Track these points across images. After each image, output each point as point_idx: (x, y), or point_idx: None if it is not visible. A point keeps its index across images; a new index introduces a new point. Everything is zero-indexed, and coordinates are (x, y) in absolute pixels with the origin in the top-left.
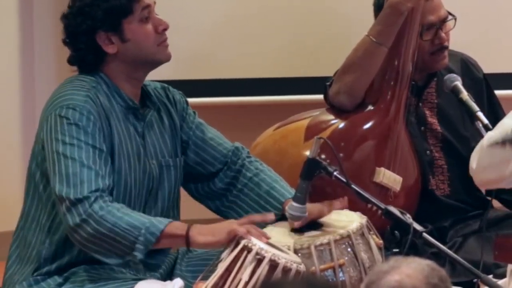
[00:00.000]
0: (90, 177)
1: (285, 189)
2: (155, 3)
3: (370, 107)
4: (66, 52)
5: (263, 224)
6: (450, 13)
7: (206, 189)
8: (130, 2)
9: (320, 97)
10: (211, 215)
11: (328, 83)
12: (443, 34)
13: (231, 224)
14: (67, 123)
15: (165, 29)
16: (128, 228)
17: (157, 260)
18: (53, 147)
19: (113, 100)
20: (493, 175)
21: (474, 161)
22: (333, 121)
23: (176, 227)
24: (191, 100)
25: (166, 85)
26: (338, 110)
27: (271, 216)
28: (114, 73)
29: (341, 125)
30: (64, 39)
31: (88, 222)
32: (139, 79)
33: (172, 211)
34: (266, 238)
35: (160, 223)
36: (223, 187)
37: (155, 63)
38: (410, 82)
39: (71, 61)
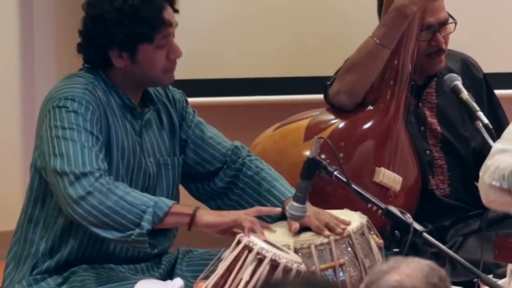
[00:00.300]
0: (91, 157)
1: (285, 188)
2: (177, 24)
3: (370, 107)
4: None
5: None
6: (451, 17)
7: (207, 188)
8: (153, 32)
9: (320, 97)
10: None
11: (328, 83)
12: (440, 37)
13: (240, 214)
14: (66, 111)
15: (176, 59)
16: (136, 202)
17: (156, 241)
18: (52, 133)
19: (111, 97)
20: (503, 208)
21: (481, 192)
22: (333, 121)
23: (183, 206)
24: (191, 99)
25: None
26: (338, 110)
27: (277, 210)
28: (116, 80)
29: (341, 125)
30: (80, 30)
31: (93, 194)
32: (139, 89)
33: None
34: (270, 229)
35: (168, 200)
36: (223, 186)
37: (157, 85)
38: (410, 81)
39: (79, 50)
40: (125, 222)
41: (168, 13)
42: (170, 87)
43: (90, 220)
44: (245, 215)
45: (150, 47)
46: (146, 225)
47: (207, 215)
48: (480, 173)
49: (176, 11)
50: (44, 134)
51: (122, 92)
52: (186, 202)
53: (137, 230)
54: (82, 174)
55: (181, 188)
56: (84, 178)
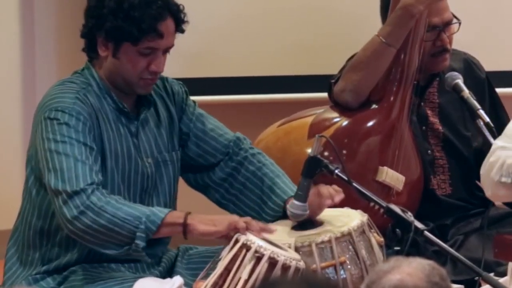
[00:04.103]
0: (84, 171)
1: (287, 186)
2: (172, 45)
3: (374, 106)
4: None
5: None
6: (455, 17)
7: (206, 179)
8: (139, 35)
9: (323, 95)
10: (209, 210)
11: (333, 81)
12: (445, 37)
13: (233, 217)
14: (57, 123)
15: (156, 72)
16: (128, 218)
17: (156, 251)
18: (45, 146)
19: (104, 101)
20: (510, 199)
21: (488, 189)
22: (337, 119)
23: (177, 216)
24: (194, 98)
25: (164, 76)
26: (342, 108)
27: (271, 229)
28: (104, 74)
29: (345, 123)
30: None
31: (86, 214)
32: (124, 93)
33: (170, 207)
34: (268, 231)
35: (160, 212)
36: (223, 177)
37: (130, 91)
38: (414, 81)
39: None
40: (120, 237)
41: (165, 26)
42: (169, 78)
43: (87, 239)
44: (238, 217)
45: (132, 49)
46: (140, 242)
47: (201, 224)
48: (482, 171)
49: (181, 31)
50: (38, 145)
51: (115, 96)
52: (185, 199)
53: (133, 247)
54: (74, 193)
55: (181, 181)
56: (77, 196)
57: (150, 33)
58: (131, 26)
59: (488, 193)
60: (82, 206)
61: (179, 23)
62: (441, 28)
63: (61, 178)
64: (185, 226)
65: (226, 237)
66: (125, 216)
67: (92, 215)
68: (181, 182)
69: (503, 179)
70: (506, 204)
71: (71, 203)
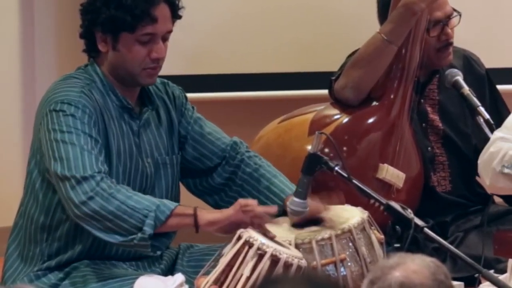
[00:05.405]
0: (91, 160)
1: (285, 184)
2: (171, 31)
3: (375, 103)
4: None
5: None
6: (455, 10)
7: (205, 184)
8: (134, 22)
9: (321, 92)
10: None
11: (333, 78)
12: (449, 30)
13: (236, 203)
14: (63, 115)
15: (158, 59)
16: (137, 207)
17: (160, 242)
18: (51, 137)
19: (108, 98)
20: (508, 192)
21: (486, 178)
22: (337, 116)
23: (186, 208)
24: (193, 95)
25: (165, 80)
26: (342, 105)
27: (273, 209)
28: (107, 70)
29: (346, 120)
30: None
31: (95, 199)
32: (130, 87)
33: None
34: (271, 210)
35: (170, 203)
36: (222, 182)
37: (134, 83)
38: (415, 78)
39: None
40: (127, 226)
41: (159, 10)
42: (170, 83)
43: (93, 224)
44: (244, 206)
45: (130, 38)
46: (148, 229)
47: (208, 213)
48: (480, 160)
49: (178, 17)
50: (43, 137)
51: (119, 92)
52: (186, 200)
53: (139, 235)
54: (83, 178)
55: (181, 187)
56: (85, 182)
57: (144, 19)
58: (124, 14)
59: (486, 182)
60: (91, 192)
61: (174, 9)
62: (444, 22)
63: (67, 165)
64: (195, 217)
65: (232, 227)
66: (135, 204)
67: (101, 201)
68: (182, 187)
69: (506, 170)
70: (505, 201)
71: (80, 188)
